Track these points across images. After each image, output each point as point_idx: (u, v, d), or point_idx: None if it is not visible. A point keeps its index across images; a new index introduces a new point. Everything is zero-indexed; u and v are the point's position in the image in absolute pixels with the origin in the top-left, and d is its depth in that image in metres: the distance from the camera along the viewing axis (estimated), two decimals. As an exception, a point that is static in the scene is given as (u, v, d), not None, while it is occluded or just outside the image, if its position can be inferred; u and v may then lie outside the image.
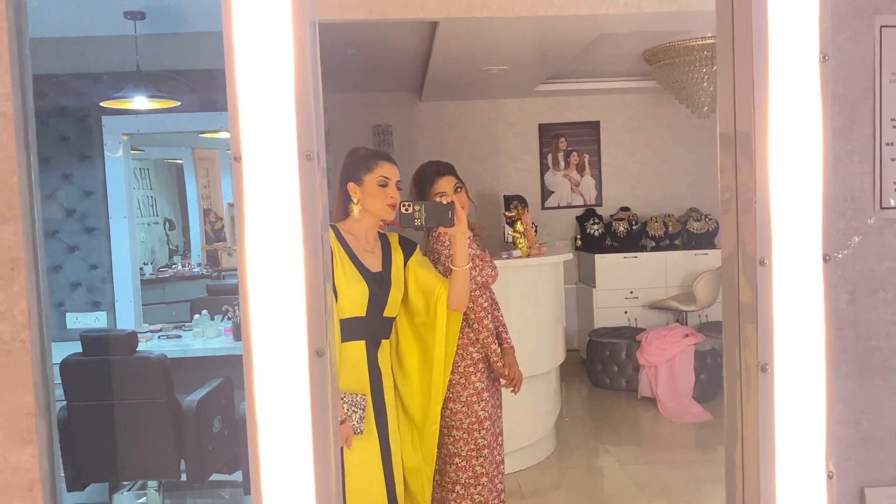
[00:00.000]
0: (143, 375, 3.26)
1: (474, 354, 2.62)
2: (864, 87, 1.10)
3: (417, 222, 2.21)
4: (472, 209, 2.71)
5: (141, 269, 7.19)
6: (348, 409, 2.18)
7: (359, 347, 2.26)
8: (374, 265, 2.31)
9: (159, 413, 3.29)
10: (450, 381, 2.56)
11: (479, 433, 2.61)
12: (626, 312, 6.70)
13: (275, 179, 0.96)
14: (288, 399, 0.97)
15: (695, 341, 5.61)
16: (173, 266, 7.98)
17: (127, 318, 4.17)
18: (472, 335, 2.61)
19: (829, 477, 1.02)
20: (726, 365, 1.09)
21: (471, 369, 2.60)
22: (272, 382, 0.98)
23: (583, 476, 4.42)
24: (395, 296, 2.32)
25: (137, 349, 3.35)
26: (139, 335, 4.10)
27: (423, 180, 2.67)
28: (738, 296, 1.05)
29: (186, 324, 4.58)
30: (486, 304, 2.61)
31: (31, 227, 1.05)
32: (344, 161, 2.39)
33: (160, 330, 4.36)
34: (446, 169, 2.69)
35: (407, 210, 2.21)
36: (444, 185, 2.65)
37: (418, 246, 2.49)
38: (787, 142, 1.00)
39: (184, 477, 3.43)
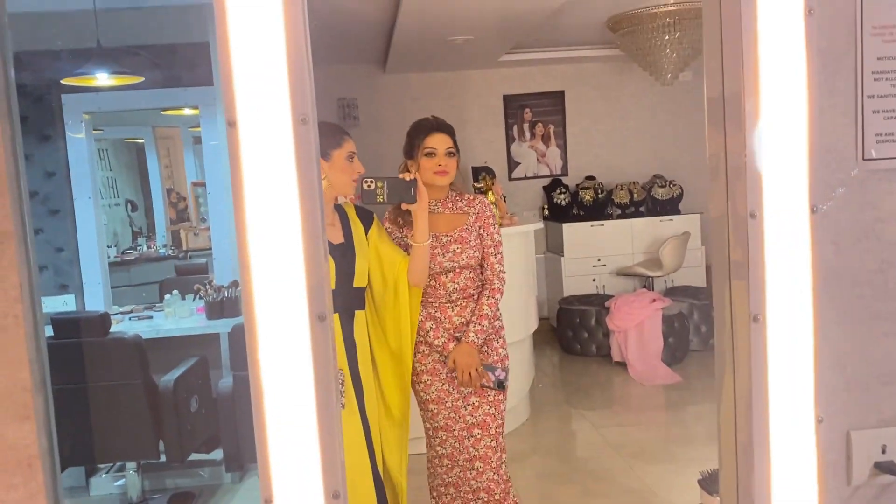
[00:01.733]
0: (117, 357, 3.23)
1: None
2: (846, 40, 1.12)
3: (379, 199, 2.22)
4: (459, 180, 2.60)
5: (105, 251, 7.07)
6: None
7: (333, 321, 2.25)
8: (336, 237, 2.30)
9: (135, 394, 3.26)
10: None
11: (426, 414, 2.55)
12: (594, 280, 6.79)
13: (270, 145, 0.95)
14: (291, 363, 0.98)
15: (662, 305, 5.71)
16: (138, 248, 7.85)
17: (96, 300, 4.10)
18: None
19: (819, 421, 1.05)
20: (717, 318, 1.11)
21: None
22: (275, 349, 0.97)
23: (558, 440, 4.50)
24: (361, 265, 2.32)
25: (111, 330, 3.30)
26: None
27: (417, 132, 2.51)
28: (729, 252, 1.08)
29: (157, 304, 4.52)
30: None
31: (18, 199, 1.02)
32: None
33: (131, 311, 4.30)
34: (445, 128, 2.51)
35: (369, 186, 2.20)
36: (437, 141, 2.46)
37: (375, 216, 2.47)
38: (776, 96, 1.02)
39: (163, 458, 3.41)
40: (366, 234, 2.39)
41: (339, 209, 2.39)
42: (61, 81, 3.51)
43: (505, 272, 2.58)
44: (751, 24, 1.00)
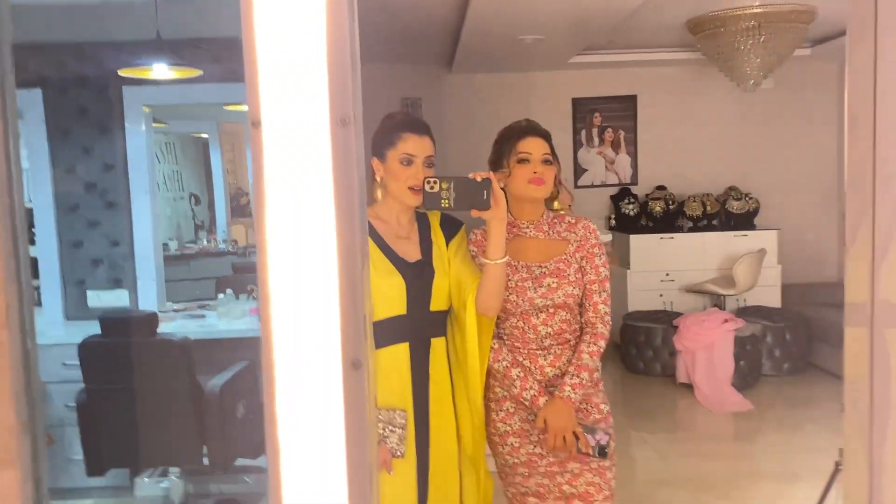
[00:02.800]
0: (164, 359, 3.13)
1: (497, 390, 2.12)
2: None
3: (445, 203, 1.83)
4: (570, 199, 2.20)
5: (166, 244, 7.10)
6: (384, 429, 1.89)
7: (401, 352, 1.95)
8: (412, 253, 1.98)
9: (181, 398, 3.16)
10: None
11: (512, 479, 2.16)
12: (661, 296, 6.47)
13: (303, 149, 0.77)
14: (318, 419, 0.80)
15: (735, 327, 5.38)
16: (199, 242, 7.88)
17: (149, 296, 4.04)
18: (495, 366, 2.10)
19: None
20: (847, 369, 0.89)
21: (492, 405, 2.13)
22: (298, 401, 0.80)
23: (618, 467, 4.23)
24: (441, 284, 1.99)
25: (159, 330, 3.22)
26: (162, 314, 3.98)
27: (508, 137, 2.13)
28: (872, 296, 0.85)
29: (211, 303, 4.44)
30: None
31: (8, 208, 0.87)
32: (376, 129, 2.01)
33: (184, 309, 4.23)
34: (540, 131, 2.13)
35: (433, 188, 1.82)
36: (531, 146, 2.08)
37: (464, 226, 2.10)
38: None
39: (206, 461, 3.31)
40: (447, 245, 2.05)
41: (422, 218, 2.05)
42: (118, 72, 3.45)
43: (610, 314, 2.14)
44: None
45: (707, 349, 5.30)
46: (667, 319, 5.81)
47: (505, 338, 2.12)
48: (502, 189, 1.98)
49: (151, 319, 3.12)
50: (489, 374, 2.11)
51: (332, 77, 0.76)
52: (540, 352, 2.10)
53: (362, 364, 0.80)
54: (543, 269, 2.10)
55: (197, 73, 3.42)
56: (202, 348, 3.55)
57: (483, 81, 6.88)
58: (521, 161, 2.07)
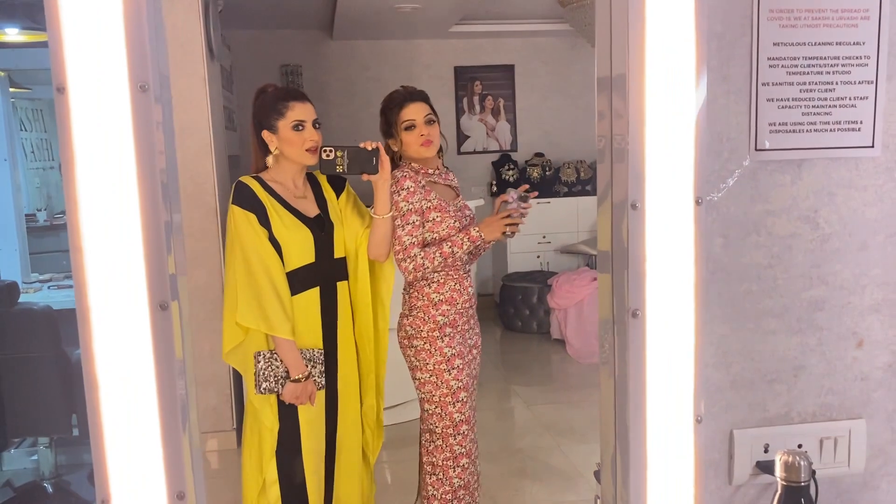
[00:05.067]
0: (27, 328, 3.08)
1: (438, 318, 2.37)
2: (741, 24, 1.06)
3: (339, 169, 2.15)
4: (444, 145, 2.44)
5: (34, 215, 6.80)
6: (306, 365, 2.18)
7: (312, 295, 2.22)
8: (310, 210, 2.25)
9: (47, 367, 3.12)
10: (416, 348, 2.40)
11: (454, 406, 2.38)
12: (538, 257, 6.78)
13: (105, 115, 0.86)
14: (129, 356, 0.90)
15: (603, 284, 5.73)
16: (71, 212, 7.59)
17: (11, 267, 3.92)
18: (433, 296, 2.37)
19: (698, 421, 1.02)
20: (600, 311, 1.06)
21: (435, 334, 2.37)
22: (112, 341, 0.89)
23: (493, 417, 4.49)
24: (339, 235, 2.28)
25: (20, 301, 3.16)
26: (26, 285, 3.88)
27: (390, 106, 2.39)
28: (612, 242, 1.02)
29: (81, 273, 4.35)
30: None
31: None
32: (253, 104, 2.25)
33: (50, 280, 4.13)
34: (418, 95, 2.40)
35: (328, 156, 2.14)
36: (414, 112, 2.35)
37: (347, 182, 2.39)
38: (662, 81, 0.96)
39: (76, 432, 3.29)
40: (337, 199, 2.34)
41: (312, 179, 2.32)
42: (-34, 36, 3.30)
43: None
44: (639, 5, 0.93)
45: (577, 306, 5.63)
46: (542, 279, 6.11)
47: (441, 272, 2.40)
48: (398, 153, 2.38)
49: (11, 289, 3.07)
50: (430, 306, 2.38)
51: (130, 45, 0.85)
52: (464, 273, 2.45)
53: (169, 305, 0.90)
54: (460, 203, 2.48)
55: (54, 36, 3.31)
56: (70, 318, 3.50)
57: (365, 48, 6.90)
58: (408, 128, 2.35)
